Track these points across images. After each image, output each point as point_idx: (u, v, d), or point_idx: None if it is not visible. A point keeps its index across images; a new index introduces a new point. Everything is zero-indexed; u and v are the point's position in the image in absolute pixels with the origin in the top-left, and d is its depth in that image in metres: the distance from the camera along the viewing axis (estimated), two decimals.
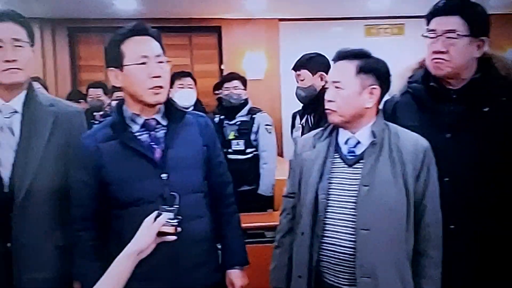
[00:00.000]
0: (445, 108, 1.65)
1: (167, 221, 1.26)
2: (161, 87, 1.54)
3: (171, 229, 1.26)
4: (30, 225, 1.58)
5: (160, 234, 1.26)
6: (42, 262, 1.61)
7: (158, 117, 1.62)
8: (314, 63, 2.77)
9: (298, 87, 2.84)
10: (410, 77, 1.79)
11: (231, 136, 3.42)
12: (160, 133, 1.60)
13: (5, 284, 1.58)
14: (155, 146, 1.58)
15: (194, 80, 3.62)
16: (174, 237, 1.29)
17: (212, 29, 5.90)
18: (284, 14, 5.71)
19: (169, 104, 1.65)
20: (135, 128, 1.59)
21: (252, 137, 3.45)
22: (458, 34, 1.57)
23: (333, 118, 1.58)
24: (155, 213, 1.27)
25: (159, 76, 1.53)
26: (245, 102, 3.54)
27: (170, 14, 5.26)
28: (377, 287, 1.44)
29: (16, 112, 1.61)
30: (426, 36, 1.66)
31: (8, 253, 1.58)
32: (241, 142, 3.42)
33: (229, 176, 1.82)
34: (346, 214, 1.51)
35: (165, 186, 1.52)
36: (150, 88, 1.53)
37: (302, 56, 2.86)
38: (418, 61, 1.80)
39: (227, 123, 3.48)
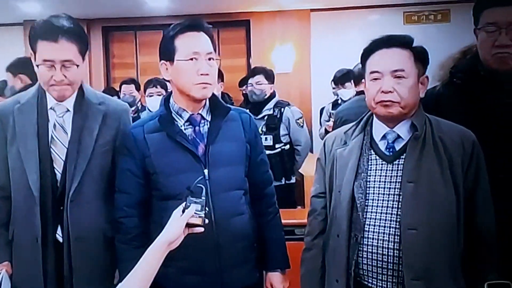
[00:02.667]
0: (496, 100, 1.55)
1: (195, 213, 1.29)
2: (208, 83, 1.56)
3: (199, 221, 1.29)
4: (80, 219, 1.65)
5: (188, 225, 1.28)
6: (92, 254, 1.68)
7: (203, 112, 1.63)
8: None
9: None
10: (452, 67, 1.69)
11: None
12: (205, 128, 1.62)
13: (55, 274, 1.67)
14: (198, 141, 1.60)
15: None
16: (202, 229, 1.31)
17: (241, 23, 5.86)
18: (316, 4, 5.60)
19: (214, 99, 1.65)
20: (181, 122, 1.61)
21: (282, 132, 3.38)
22: None
23: (393, 111, 1.42)
24: (183, 205, 1.30)
25: (207, 74, 1.55)
26: (271, 96, 3.45)
27: (200, 10, 5.26)
28: None
29: (68, 111, 1.69)
30: (479, 29, 1.57)
31: (60, 245, 1.67)
32: (269, 137, 3.34)
33: (270, 175, 1.80)
34: (389, 213, 1.43)
35: (205, 182, 1.52)
36: (197, 84, 1.55)
37: None
38: (461, 50, 1.71)
39: (255, 118, 3.40)
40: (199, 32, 1.58)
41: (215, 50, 1.61)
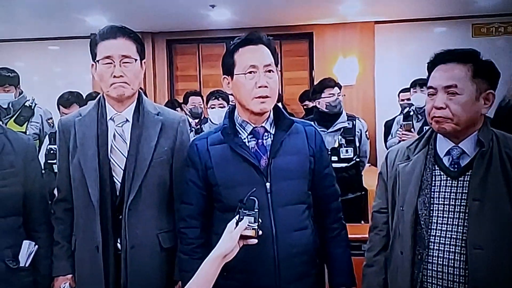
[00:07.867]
0: None
1: (248, 225, 1.32)
2: (267, 96, 1.55)
3: (252, 233, 1.32)
4: (137, 227, 1.67)
5: (242, 237, 1.31)
6: (147, 262, 1.69)
7: (267, 125, 1.62)
8: None
9: None
10: None
11: (335, 144, 3.32)
12: (268, 141, 1.61)
13: (113, 282, 1.68)
14: (261, 154, 1.59)
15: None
16: (255, 241, 1.33)
17: (304, 35, 5.85)
18: (381, 16, 5.51)
19: (278, 112, 1.64)
20: (244, 134, 1.61)
21: (357, 143, 3.37)
22: None
23: (445, 127, 1.40)
24: (236, 217, 1.33)
25: (265, 86, 1.54)
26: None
27: (263, 22, 5.30)
28: None
29: (127, 121, 1.73)
30: None
31: (118, 253, 1.69)
32: (350, 149, 3.31)
33: (336, 190, 1.74)
34: (454, 231, 1.39)
35: (267, 195, 1.53)
36: (256, 97, 1.54)
37: None
38: None
39: (328, 131, 3.33)
40: (258, 45, 1.57)
41: (277, 63, 1.60)
